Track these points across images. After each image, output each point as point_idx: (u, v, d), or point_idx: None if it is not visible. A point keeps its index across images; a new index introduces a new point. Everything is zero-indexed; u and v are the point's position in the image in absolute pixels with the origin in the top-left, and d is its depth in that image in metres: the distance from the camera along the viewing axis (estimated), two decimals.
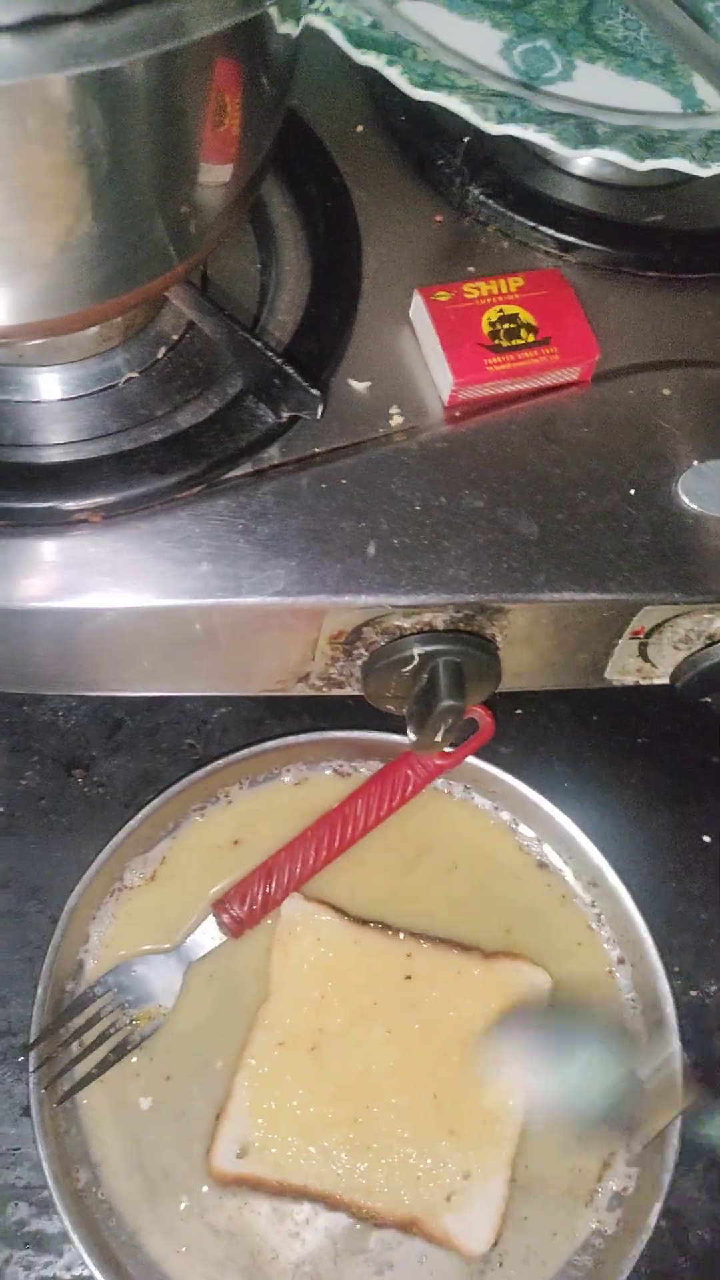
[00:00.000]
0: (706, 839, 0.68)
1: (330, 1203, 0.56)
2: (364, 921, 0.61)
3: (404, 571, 0.50)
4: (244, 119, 0.44)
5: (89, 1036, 0.57)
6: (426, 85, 0.49)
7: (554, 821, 0.64)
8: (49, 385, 0.54)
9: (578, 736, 0.70)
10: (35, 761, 0.65)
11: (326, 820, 0.62)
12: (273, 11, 0.40)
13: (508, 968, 0.60)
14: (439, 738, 0.53)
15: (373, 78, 0.62)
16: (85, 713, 0.67)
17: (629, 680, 0.59)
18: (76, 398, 0.54)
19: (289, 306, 0.56)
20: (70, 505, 0.49)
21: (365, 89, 0.63)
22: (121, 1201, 0.55)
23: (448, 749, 0.62)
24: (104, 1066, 0.57)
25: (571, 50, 0.58)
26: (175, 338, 0.56)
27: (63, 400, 0.54)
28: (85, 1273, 0.54)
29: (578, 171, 0.62)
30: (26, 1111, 0.57)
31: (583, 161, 0.62)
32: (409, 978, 0.60)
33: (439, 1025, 0.59)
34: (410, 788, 0.63)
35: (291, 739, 0.64)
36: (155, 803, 0.61)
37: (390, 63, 0.49)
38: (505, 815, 0.66)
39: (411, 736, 0.54)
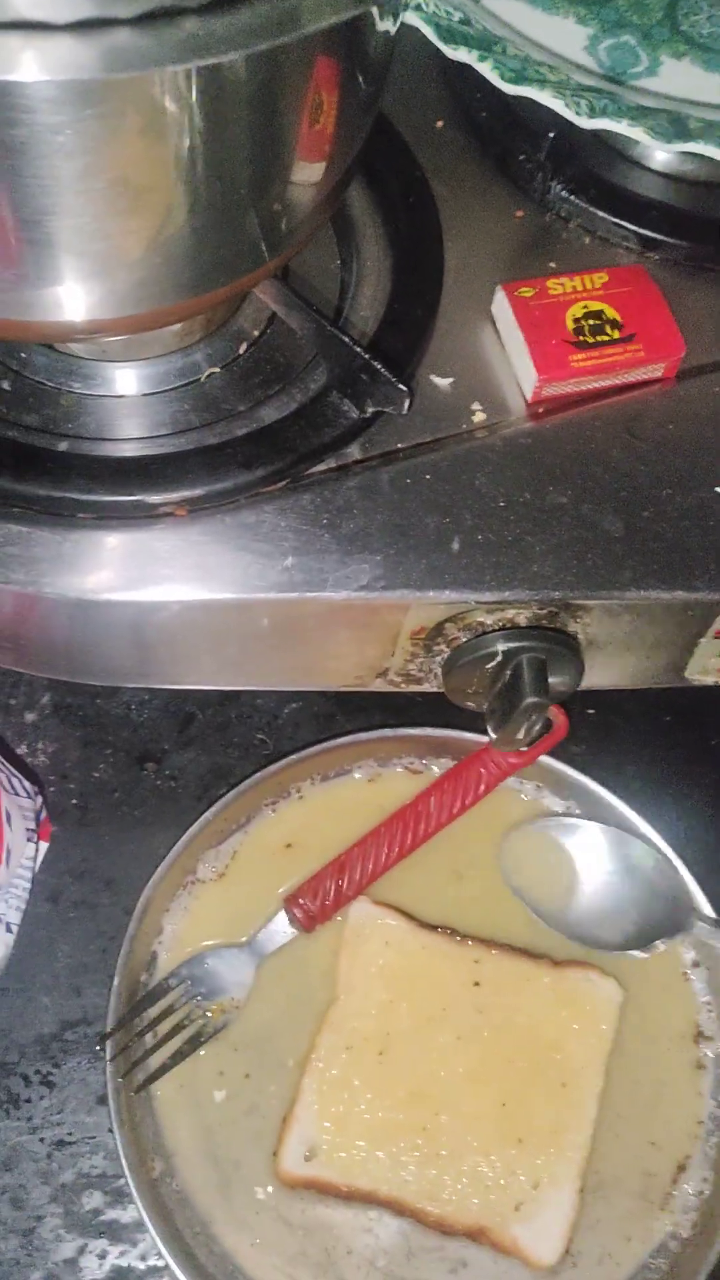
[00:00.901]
0: None
1: (397, 1208, 0.55)
2: (432, 927, 0.61)
3: (488, 567, 0.50)
4: (339, 117, 0.44)
5: (164, 1027, 0.58)
6: (518, 80, 0.49)
7: (627, 822, 0.64)
8: (132, 380, 0.54)
9: (650, 736, 0.69)
10: (108, 754, 0.66)
11: (399, 817, 0.62)
12: (374, 9, 0.40)
13: (578, 976, 0.60)
14: (521, 735, 0.53)
15: (453, 74, 0.62)
16: (157, 706, 0.67)
17: (709, 680, 0.58)
18: (158, 392, 0.54)
19: (370, 302, 0.56)
20: (156, 499, 0.49)
21: (445, 85, 0.63)
22: (195, 1192, 0.56)
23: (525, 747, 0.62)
24: (179, 1057, 0.57)
25: (657, 46, 0.58)
26: (256, 334, 0.56)
27: (145, 395, 0.54)
28: (159, 1263, 0.54)
29: (657, 167, 0.62)
30: (101, 1100, 0.58)
31: (662, 157, 0.61)
32: (477, 984, 0.59)
33: (507, 1033, 0.58)
34: (483, 785, 0.63)
35: (363, 735, 0.64)
36: (228, 797, 0.62)
37: (482, 58, 0.49)
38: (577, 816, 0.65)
39: (492, 734, 0.54)
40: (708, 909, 0.61)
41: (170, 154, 0.38)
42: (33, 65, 0.32)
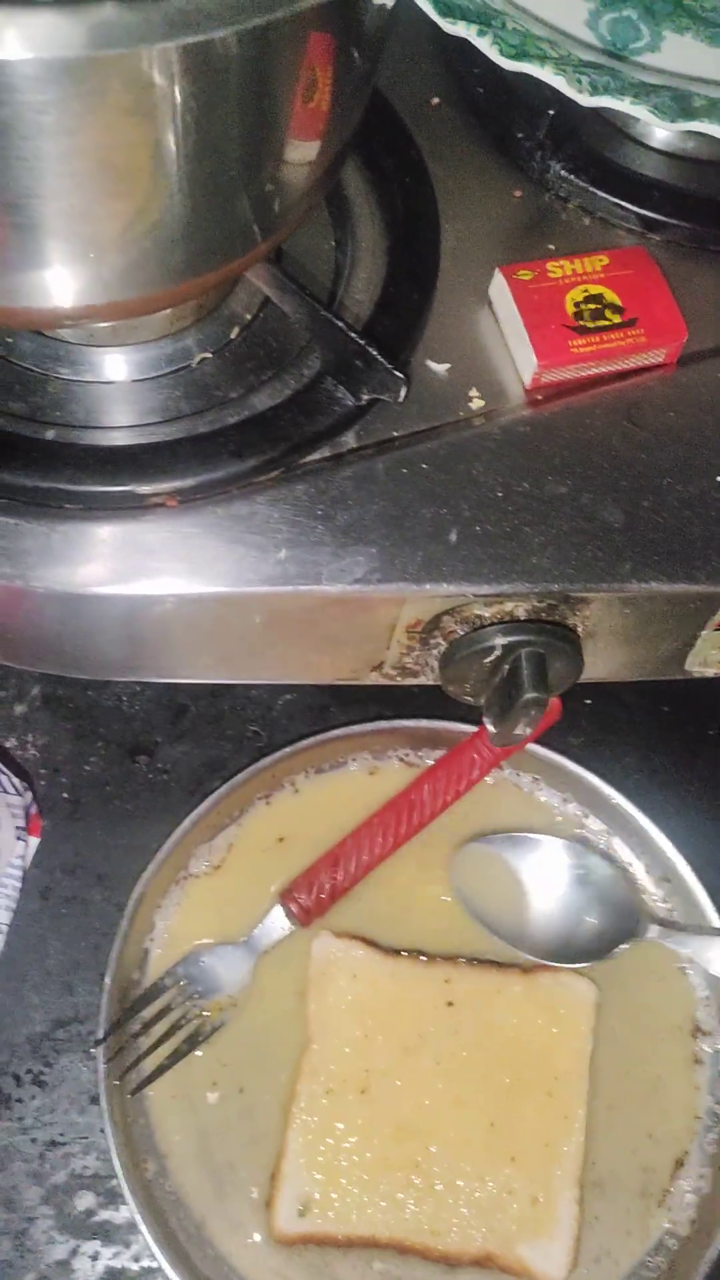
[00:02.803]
0: None
1: (401, 1249, 0.54)
2: (397, 952, 0.59)
3: (486, 559, 0.49)
4: (334, 94, 0.42)
5: (160, 1028, 0.57)
6: (518, 56, 0.47)
7: (624, 814, 0.63)
8: (121, 366, 0.53)
9: (649, 728, 0.68)
10: (100, 747, 0.65)
11: (392, 806, 0.61)
12: None
13: (550, 981, 0.59)
14: (519, 729, 0.52)
15: (450, 50, 0.60)
16: (149, 698, 0.66)
17: (710, 672, 0.57)
18: (148, 379, 0.53)
19: (365, 285, 0.55)
20: (146, 489, 0.48)
21: (441, 61, 0.61)
22: (188, 1194, 0.55)
23: None
24: (175, 1058, 0.56)
25: (659, 20, 0.56)
26: (248, 318, 0.54)
27: (134, 381, 0.53)
28: (152, 1264, 0.54)
29: (659, 146, 0.60)
30: (94, 1100, 0.57)
31: (663, 135, 0.60)
32: (451, 1004, 0.58)
33: (486, 1049, 0.57)
34: (476, 772, 0.62)
35: (358, 728, 0.63)
36: (221, 790, 0.61)
37: (481, 33, 0.47)
38: (573, 808, 0.65)
39: (491, 729, 0.53)
40: (711, 910, 0.61)
41: (159, 134, 0.37)
42: (15, 42, 0.31)
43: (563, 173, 0.57)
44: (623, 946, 0.60)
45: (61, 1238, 0.55)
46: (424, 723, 0.64)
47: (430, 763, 0.64)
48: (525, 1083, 0.57)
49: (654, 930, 0.60)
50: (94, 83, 0.34)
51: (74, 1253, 0.55)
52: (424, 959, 0.59)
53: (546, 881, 0.61)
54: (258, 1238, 0.54)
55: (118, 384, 0.52)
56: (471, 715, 0.62)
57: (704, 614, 0.52)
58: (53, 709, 0.65)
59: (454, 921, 0.61)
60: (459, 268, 0.55)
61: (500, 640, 0.50)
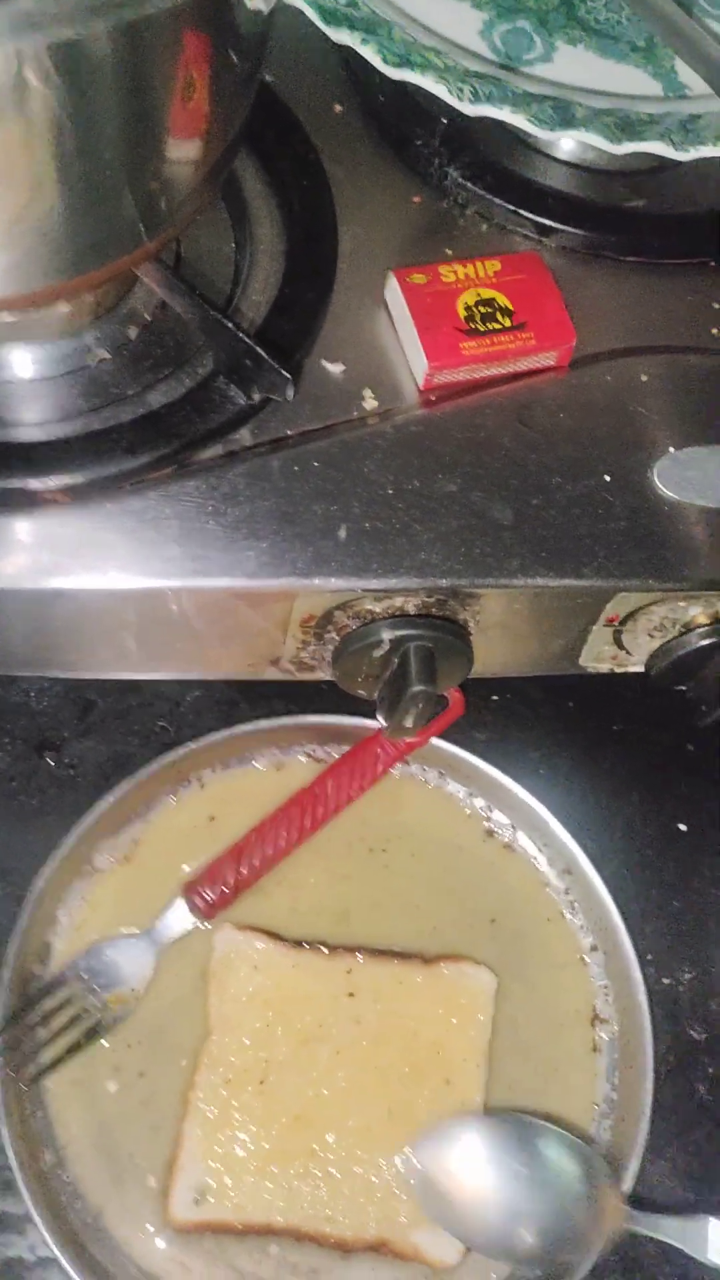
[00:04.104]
0: (681, 827, 0.68)
1: (297, 1235, 0.55)
2: (299, 943, 0.60)
3: (375, 555, 0.50)
4: (213, 95, 0.43)
5: (59, 1021, 0.57)
6: (401, 64, 0.48)
7: (528, 808, 0.64)
8: (17, 363, 0.53)
9: (553, 723, 0.69)
10: (6, 743, 0.65)
11: (296, 801, 0.62)
12: None
13: (451, 971, 0.60)
14: (409, 723, 0.53)
15: (352, 57, 0.61)
16: (57, 694, 0.66)
17: (604, 668, 0.59)
18: (46, 378, 0.53)
19: (263, 287, 0.56)
20: (37, 485, 0.49)
21: (344, 68, 0.62)
22: (86, 1184, 0.55)
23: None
24: (74, 1050, 0.57)
25: (553, 32, 0.57)
26: (148, 317, 0.55)
27: (32, 380, 0.53)
28: (48, 1254, 0.54)
29: (560, 155, 0.62)
30: None
31: (565, 145, 0.61)
32: (351, 995, 0.59)
33: (387, 1039, 0.58)
34: (380, 766, 0.63)
35: (264, 723, 0.64)
36: (126, 785, 0.61)
37: (365, 41, 0.48)
38: (479, 801, 0.66)
39: (382, 721, 0.54)
40: (609, 902, 0.62)
41: (29, 132, 0.38)
42: None
43: (460, 179, 0.59)
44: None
45: None
46: (330, 718, 0.64)
47: (336, 758, 0.65)
48: (424, 1071, 0.58)
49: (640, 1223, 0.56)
50: None
51: None
52: (326, 951, 0.60)
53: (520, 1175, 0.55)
54: (154, 1226, 0.55)
55: (15, 382, 0.53)
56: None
57: (593, 610, 0.54)
58: None
59: (357, 914, 0.62)
60: (356, 271, 0.56)
61: (389, 634, 0.51)
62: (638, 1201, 0.56)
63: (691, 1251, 0.54)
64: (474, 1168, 0.55)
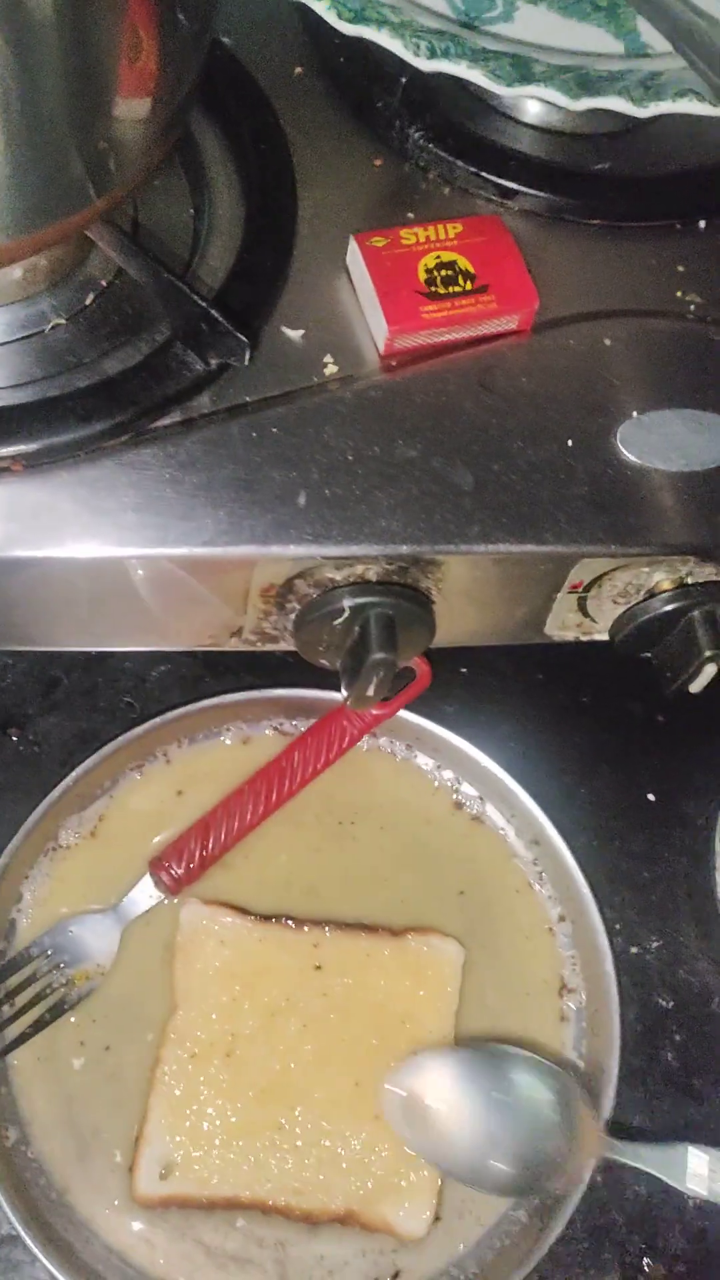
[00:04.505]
0: (650, 797, 0.68)
1: (264, 1209, 0.55)
2: (267, 918, 0.59)
3: (335, 522, 0.49)
4: (160, 54, 0.42)
5: (23, 998, 0.57)
6: (356, 20, 0.48)
7: (496, 779, 0.64)
8: None
9: (522, 695, 0.69)
10: None
11: (263, 774, 0.62)
12: None
13: (418, 943, 0.60)
14: (371, 692, 0.52)
15: (313, 20, 0.60)
16: (21, 670, 0.66)
17: (569, 636, 0.58)
18: (1, 344, 0.52)
19: (221, 252, 0.55)
20: None
21: (305, 31, 0.61)
22: (51, 1160, 0.55)
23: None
24: (39, 1026, 0.56)
25: None
26: (104, 283, 0.54)
27: None
28: (10, 1232, 0.54)
29: (524, 118, 0.61)
30: None
31: (529, 107, 0.61)
32: (319, 968, 0.59)
33: (354, 1012, 0.58)
34: (347, 739, 0.62)
35: (230, 697, 0.63)
36: (90, 761, 0.60)
37: None
38: (447, 774, 0.65)
39: (345, 692, 0.53)
40: (577, 873, 0.61)
41: None
42: None
43: (421, 142, 0.58)
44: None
45: None
46: (297, 691, 0.64)
47: (303, 731, 0.64)
48: (391, 1043, 0.57)
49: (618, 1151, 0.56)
50: None
51: None
52: (292, 925, 0.59)
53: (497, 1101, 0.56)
54: (120, 1202, 0.54)
55: None
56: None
57: (556, 577, 0.53)
58: None
59: (325, 887, 0.61)
60: (317, 235, 0.56)
61: (349, 602, 0.50)
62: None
63: (670, 1180, 0.55)
64: (450, 1095, 0.55)
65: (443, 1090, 0.55)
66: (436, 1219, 0.56)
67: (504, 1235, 0.56)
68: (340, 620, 0.51)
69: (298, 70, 0.61)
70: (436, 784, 0.65)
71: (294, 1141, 0.55)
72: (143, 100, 0.43)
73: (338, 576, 0.51)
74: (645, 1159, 0.56)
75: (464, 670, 0.69)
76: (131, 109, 0.43)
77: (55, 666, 0.66)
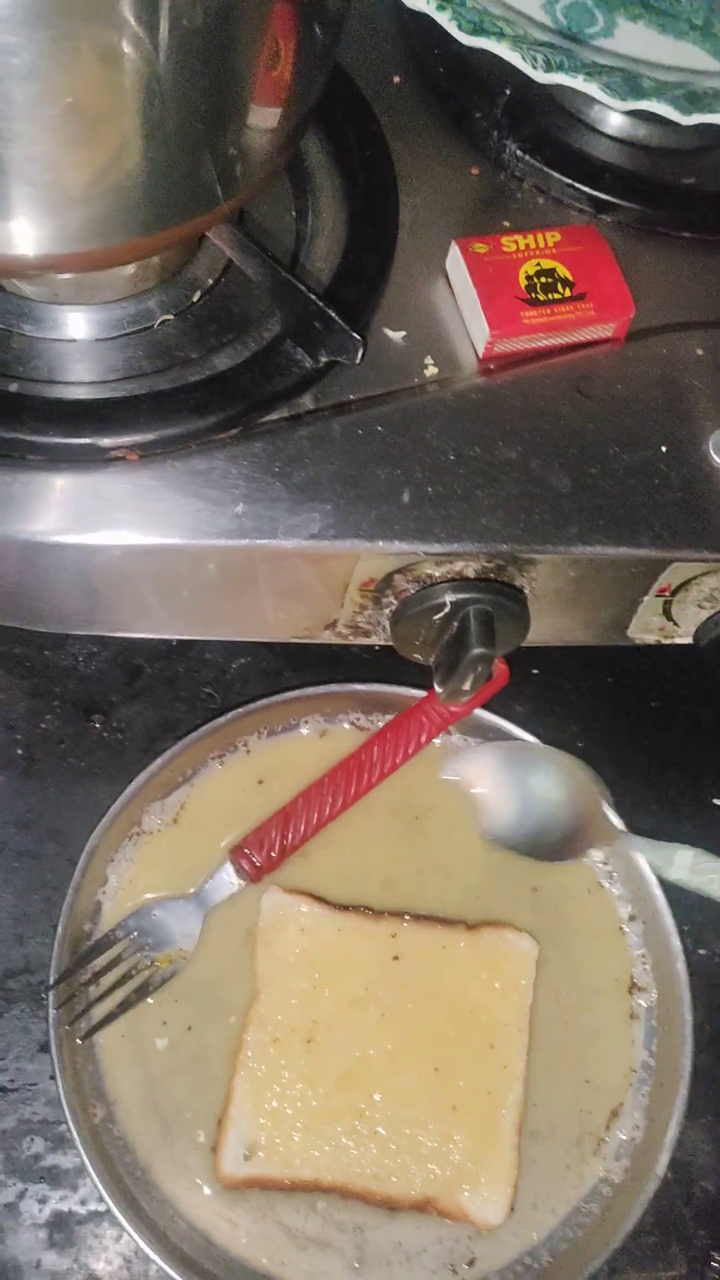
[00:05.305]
0: (717, 801, 0.69)
1: (344, 1193, 0.55)
2: (345, 907, 0.60)
3: (437, 519, 0.50)
4: (295, 65, 0.44)
5: (110, 978, 0.58)
6: (476, 32, 0.49)
7: None
8: (83, 324, 0.54)
9: (593, 697, 0.70)
10: (55, 705, 0.65)
11: (343, 767, 0.63)
12: None
13: (494, 937, 0.60)
14: (467, 686, 0.53)
15: (412, 30, 0.62)
16: (105, 659, 0.67)
17: (651, 639, 0.59)
18: (111, 338, 0.54)
19: (325, 254, 0.56)
20: (107, 442, 0.49)
21: (403, 40, 0.63)
22: (136, 1138, 0.56)
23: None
24: (125, 1007, 0.57)
25: (614, 8, 0.58)
26: (210, 282, 0.56)
27: (97, 340, 0.54)
28: (99, 1208, 0.55)
29: (611, 131, 0.62)
30: (43, 1048, 0.58)
31: (616, 121, 0.62)
32: (396, 958, 0.60)
33: (431, 1002, 0.59)
34: (425, 734, 0.63)
35: (310, 690, 0.65)
36: (175, 749, 0.62)
37: (440, 8, 0.49)
38: None
39: (438, 686, 0.55)
40: (648, 873, 0.62)
41: (127, 83, 0.38)
42: None
43: (518, 152, 0.59)
44: (594, 852, 0.64)
45: (10, 1181, 0.56)
46: (375, 687, 0.65)
47: (380, 726, 0.65)
48: (467, 1035, 0.58)
49: (623, 839, 0.63)
50: (65, 26, 0.35)
51: (22, 1195, 0.56)
52: (371, 914, 0.60)
53: (529, 784, 0.64)
54: (203, 1181, 0.55)
55: (80, 342, 0.53)
56: (421, 681, 0.63)
57: (646, 580, 0.54)
58: (8, 668, 0.66)
59: (401, 880, 0.62)
60: (416, 240, 0.57)
61: (449, 598, 0.51)
62: None
63: (662, 872, 0.61)
64: (491, 775, 0.64)
65: (486, 771, 0.64)
66: (511, 1209, 0.56)
67: (576, 1227, 0.57)
68: (440, 615, 0.52)
69: (397, 80, 0.62)
70: None
71: (374, 1128, 0.56)
72: (274, 109, 0.45)
73: (436, 573, 0.52)
74: (644, 850, 0.62)
75: (535, 671, 0.70)
76: (263, 117, 0.45)
77: (138, 656, 0.67)
